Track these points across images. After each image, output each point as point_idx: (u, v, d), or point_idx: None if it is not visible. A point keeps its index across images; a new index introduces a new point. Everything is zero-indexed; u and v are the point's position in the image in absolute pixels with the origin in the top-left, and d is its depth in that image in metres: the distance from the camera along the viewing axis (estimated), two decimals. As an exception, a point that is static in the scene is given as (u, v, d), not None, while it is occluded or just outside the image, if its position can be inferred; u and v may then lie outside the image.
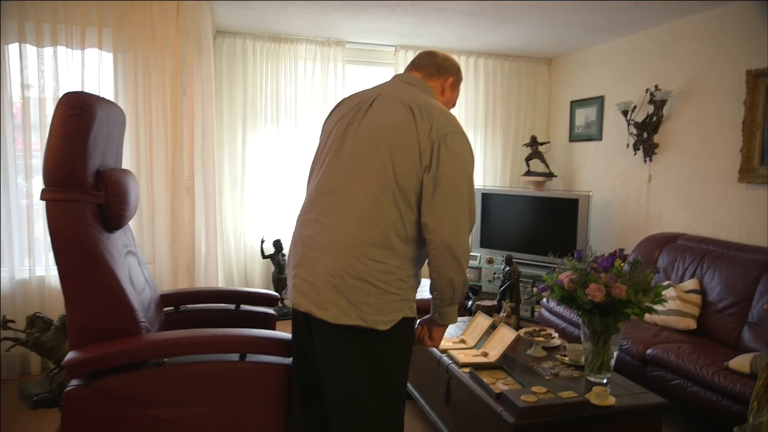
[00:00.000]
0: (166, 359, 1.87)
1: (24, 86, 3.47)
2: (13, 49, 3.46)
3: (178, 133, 3.75)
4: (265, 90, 4.52)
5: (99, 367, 1.77)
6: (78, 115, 1.74)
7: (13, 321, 3.15)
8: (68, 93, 1.79)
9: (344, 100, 1.86)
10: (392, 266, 1.61)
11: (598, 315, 2.26)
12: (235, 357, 1.93)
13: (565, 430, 2.11)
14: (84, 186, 1.80)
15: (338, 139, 1.72)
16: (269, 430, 1.90)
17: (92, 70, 3.61)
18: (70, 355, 1.78)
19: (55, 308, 3.55)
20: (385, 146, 1.62)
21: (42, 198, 1.78)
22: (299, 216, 1.78)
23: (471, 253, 4.90)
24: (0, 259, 3.41)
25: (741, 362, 2.57)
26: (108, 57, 3.68)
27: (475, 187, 3.19)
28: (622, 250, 2.44)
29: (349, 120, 1.72)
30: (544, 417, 2.07)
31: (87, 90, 3.56)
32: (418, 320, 1.86)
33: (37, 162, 3.56)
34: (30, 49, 3.47)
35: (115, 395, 1.77)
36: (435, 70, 1.84)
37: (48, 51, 3.50)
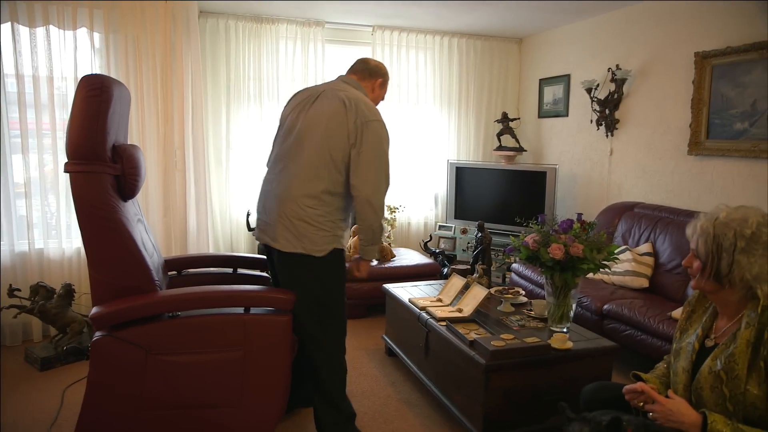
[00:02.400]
0: (179, 312, 2.12)
1: (17, 65, 3.59)
2: (5, 29, 3.56)
3: (168, 111, 3.91)
4: (247, 69, 4.65)
5: (121, 319, 2.01)
6: (98, 96, 1.95)
7: (19, 289, 3.33)
8: (88, 75, 1.98)
9: (298, 92, 2.48)
10: (323, 212, 2.23)
11: (558, 271, 2.57)
12: (240, 310, 2.18)
13: (530, 369, 2.43)
14: (104, 159, 2.01)
15: (292, 123, 2.34)
16: (273, 373, 2.17)
17: (85, 50, 3.74)
18: (95, 310, 2.01)
19: (55, 278, 3.74)
20: (323, 128, 2.23)
21: (66, 170, 1.99)
22: (264, 177, 2.44)
23: (446, 224, 5.22)
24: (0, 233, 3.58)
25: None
26: (98, 37, 3.81)
27: (450, 161, 3.75)
28: (580, 215, 2.75)
29: (300, 108, 2.34)
30: (511, 358, 2.38)
31: (80, 69, 3.72)
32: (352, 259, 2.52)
33: (33, 141, 3.70)
34: (22, 30, 3.58)
35: (136, 343, 2.01)
36: (367, 74, 2.47)
37: (40, 31, 3.62)
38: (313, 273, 2.26)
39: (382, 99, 2.57)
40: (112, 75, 3.86)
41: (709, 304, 1.68)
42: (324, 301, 2.32)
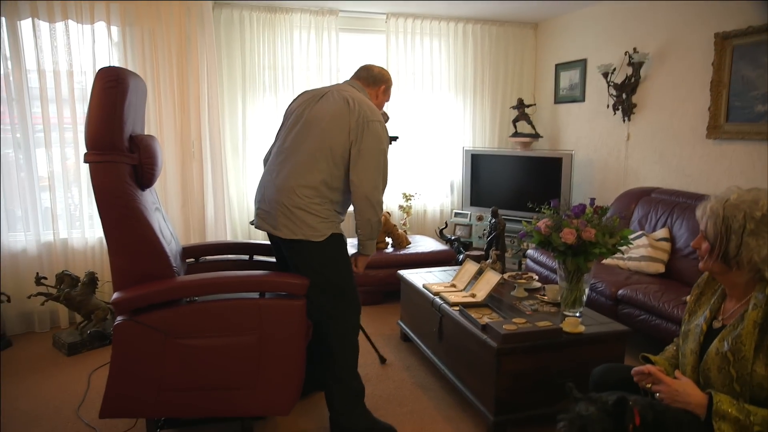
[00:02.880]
0: (197, 298, 2.18)
1: (39, 61, 3.68)
2: (26, 25, 3.65)
3: (185, 102, 3.98)
4: (262, 59, 4.69)
5: (141, 304, 2.07)
6: (114, 87, 2.00)
7: (45, 278, 3.45)
8: (104, 68, 2.04)
9: (304, 92, 2.58)
10: (319, 201, 2.31)
11: (570, 256, 2.58)
12: (255, 295, 2.23)
13: (542, 353, 2.45)
14: (121, 149, 2.07)
15: (296, 118, 2.44)
16: (288, 356, 2.22)
17: (103, 44, 3.82)
18: (116, 295, 2.08)
19: (79, 267, 3.85)
20: (326, 123, 2.33)
21: (86, 160, 2.05)
22: (265, 167, 2.54)
23: (461, 211, 5.23)
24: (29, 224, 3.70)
25: (698, 296, 2.90)
26: (116, 31, 3.88)
27: (466, 148, 3.82)
28: (593, 200, 2.74)
29: (305, 106, 2.44)
30: (523, 342, 2.40)
31: (98, 63, 3.80)
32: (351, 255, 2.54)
33: (56, 135, 3.80)
34: (43, 25, 3.67)
35: (155, 327, 2.08)
36: (371, 81, 2.55)
37: (60, 26, 3.70)
38: (318, 257, 2.34)
39: (388, 101, 2.69)
40: (129, 68, 3.94)
41: (717, 286, 1.68)
42: (336, 282, 2.39)
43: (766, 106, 3.33)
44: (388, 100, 2.68)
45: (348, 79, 2.61)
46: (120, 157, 2.07)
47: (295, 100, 2.60)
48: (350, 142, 2.31)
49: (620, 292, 3.30)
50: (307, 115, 2.40)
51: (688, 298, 2.92)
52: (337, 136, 2.30)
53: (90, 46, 3.79)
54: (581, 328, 2.51)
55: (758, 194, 1.53)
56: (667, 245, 3.62)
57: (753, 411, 1.39)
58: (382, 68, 2.63)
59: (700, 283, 1.75)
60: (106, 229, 2.08)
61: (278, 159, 2.42)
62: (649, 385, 1.61)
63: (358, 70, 2.61)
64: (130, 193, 2.09)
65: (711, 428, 1.40)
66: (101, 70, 2.04)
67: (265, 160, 2.65)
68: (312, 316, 2.39)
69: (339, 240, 2.41)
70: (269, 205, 2.37)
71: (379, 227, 2.45)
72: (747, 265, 1.49)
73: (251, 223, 2.60)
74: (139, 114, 2.32)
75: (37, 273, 3.47)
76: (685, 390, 1.49)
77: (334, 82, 4.83)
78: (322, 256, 2.34)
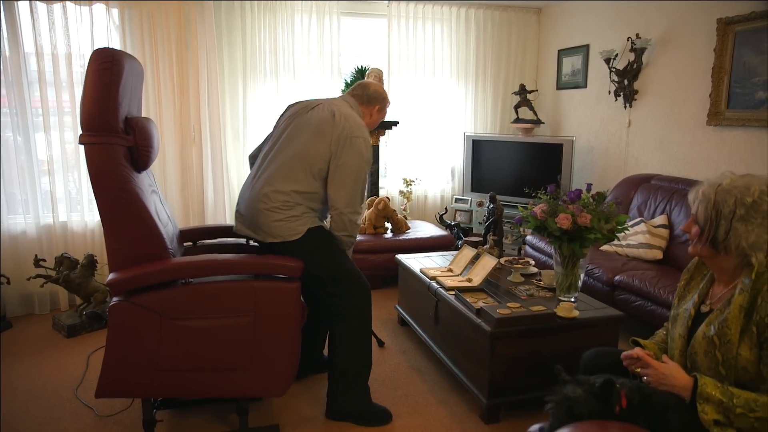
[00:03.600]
0: (192, 279, 2.19)
1: (37, 44, 3.67)
2: (23, 6, 3.64)
3: (184, 86, 3.97)
4: (263, 44, 4.65)
5: (136, 285, 2.09)
6: (108, 69, 2.00)
7: (44, 260, 3.47)
8: (98, 49, 2.03)
9: (297, 102, 2.59)
10: (291, 204, 2.34)
11: (566, 241, 2.58)
12: (250, 277, 2.24)
13: (535, 337, 2.47)
14: (116, 131, 2.07)
15: (284, 128, 2.48)
16: (283, 338, 2.24)
17: (101, 26, 3.81)
18: (112, 276, 2.09)
19: (78, 249, 3.88)
20: (308, 135, 2.36)
21: (81, 142, 2.06)
22: (250, 173, 2.56)
23: (462, 197, 5.23)
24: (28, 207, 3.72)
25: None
26: (115, 13, 3.87)
27: (467, 134, 3.87)
28: (590, 185, 2.73)
29: (294, 116, 2.47)
30: (517, 326, 2.42)
31: (97, 46, 3.79)
32: None
33: (55, 119, 3.80)
34: (40, 6, 3.66)
35: (151, 308, 2.10)
36: (366, 100, 2.55)
37: (57, 7, 3.68)
38: (301, 252, 2.34)
39: (382, 118, 2.68)
40: (129, 51, 3.93)
41: (707, 271, 1.68)
42: (327, 267, 2.40)
43: (766, 92, 3.30)
44: (383, 119, 2.69)
45: (344, 94, 2.62)
46: (115, 138, 2.07)
47: (287, 109, 2.61)
48: (329, 155, 2.32)
49: (617, 278, 3.30)
50: (294, 124, 2.44)
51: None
52: (317, 148, 2.33)
53: (88, 29, 3.78)
54: (575, 313, 2.52)
55: (750, 180, 1.53)
56: (665, 232, 3.62)
57: (736, 393, 1.40)
58: (379, 86, 2.62)
59: (690, 267, 1.75)
60: (102, 211, 2.09)
61: (261, 166, 2.46)
62: (638, 369, 1.62)
63: (354, 87, 2.60)
64: (126, 175, 2.09)
65: (696, 410, 1.41)
66: (96, 51, 2.03)
67: (251, 158, 2.71)
68: (331, 309, 2.44)
69: (319, 231, 2.42)
70: (246, 210, 2.43)
71: (351, 243, 2.47)
72: (735, 251, 1.49)
73: (232, 229, 2.61)
74: (135, 96, 2.31)
75: (36, 255, 3.49)
76: (671, 373, 1.50)
77: (335, 67, 4.83)
78: (303, 250, 2.35)
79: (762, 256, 1.46)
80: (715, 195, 1.54)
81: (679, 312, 1.68)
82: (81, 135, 2.07)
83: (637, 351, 1.63)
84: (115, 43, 3.90)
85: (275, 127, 2.58)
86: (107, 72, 2.00)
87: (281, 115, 2.61)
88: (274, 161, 2.40)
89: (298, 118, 2.44)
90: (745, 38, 3.42)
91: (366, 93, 2.56)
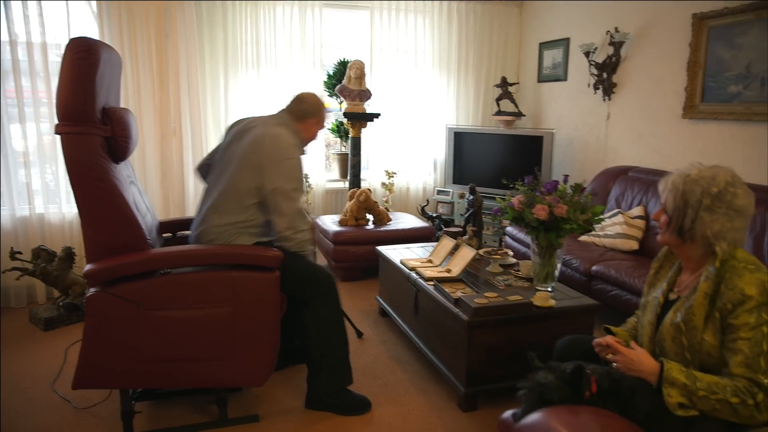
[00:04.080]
0: (171, 270, 2.19)
1: (11, 32, 3.61)
2: (-2, -4, 3.57)
3: (164, 77, 3.94)
4: (245, 35, 4.63)
5: (113, 276, 2.08)
6: (85, 58, 1.98)
7: (20, 252, 3.43)
8: (74, 38, 2.01)
9: (240, 121, 2.62)
10: (229, 233, 2.40)
11: (543, 231, 2.62)
12: (229, 268, 2.25)
13: (512, 326, 2.51)
14: (93, 120, 2.06)
15: (222, 154, 2.54)
16: (262, 328, 2.25)
17: (77, 16, 3.75)
18: (89, 267, 2.09)
19: (56, 242, 3.84)
20: (242, 160, 2.39)
21: (57, 132, 2.04)
22: (203, 190, 2.61)
23: (444, 189, 5.26)
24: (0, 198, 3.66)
25: (668, 273, 2.97)
26: (93, 3, 3.81)
27: (449, 126, 4.38)
28: (566, 176, 2.77)
29: (235, 137, 2.51)
30: (494, 315, 2.45)
31: (73, 35, 3.73)
32: None
33: (30, 110, 3.74)
34: (15, -4, 3.59)
35: (129, 299, 2.09)
36: (301, 115, 2.56)
37: (33, -2, 3.62)
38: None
39: (321, 129, 2.69)
40: (106, 41, 3.87)
41: (675, 259, 1.72)
42: (301, 278, 2.42)
43: (739, 86, 3.37)
44: (323, 128, 2.70)
45: (282, 109, 2.61)
46: (92, 128, 2.06)
47: (230, 129, 2.62)
48: (259, 184, 2.35)
49: (594, 268, 3.36)
50: (228, 152, 2.49)
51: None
52: (245, 180, 2.37)
53: (65, 18, 3.72)
54: (552, 302, 2.57)
55: (717, 171, 1.57)
56: (641, 223, 3.68)
57: (700, 377, 1.44)
58: (315, 96, 2.63)
59: (659, 256, 1.79)
60: (79, 201, 2.08)
61: (204, 196, 2.55)
62: (608, 356, 1.66)
63: (291, 101, 2.61)
64: (103, 166, 2.08)
65: (661, 394, 1.46)
66: (72, 40, 2.01)
67: (199, 169, 2.76)
68: (300, 300, 2.45)
69: (265, 244, 2.44)
70: (195, 229, 2.51)
71: (305, 243, 2.46)
72: (700, 239, 1.53)
73: None
74: (113, 87, 2.30)
75: (12, 248, 3.45)
76: (639, 359, 1.54)
77: (317, 59, 4.82)
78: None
79: (725, 245, 1.50)
80: (683, 185, 1.58)
81: (648, 300, 1.73)
82: (57, 124, 2.05)
83: (607, 338, 1.67)
84: (93, 33, 3.85)
85: (222, 145, 2.60)
86: (84, 62, 1.98)
87: (227, 131, 2.63)
88: (211, 195, 2.48)
89: (233, 145, 2.48)
90: (719, 33, 3.48)
91: (301, 107, 2.57)
